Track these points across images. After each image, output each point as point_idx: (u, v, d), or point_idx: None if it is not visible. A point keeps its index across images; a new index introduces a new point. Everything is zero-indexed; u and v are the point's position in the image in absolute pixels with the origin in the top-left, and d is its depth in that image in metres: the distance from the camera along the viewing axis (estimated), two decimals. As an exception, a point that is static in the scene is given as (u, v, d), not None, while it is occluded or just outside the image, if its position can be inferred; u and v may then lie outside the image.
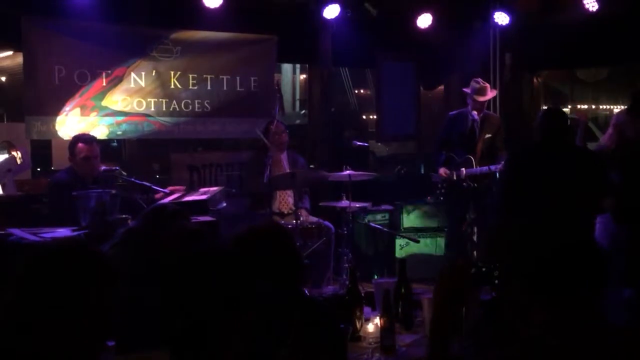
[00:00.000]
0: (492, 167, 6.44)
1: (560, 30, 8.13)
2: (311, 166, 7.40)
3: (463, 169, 6.59)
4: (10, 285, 1.79)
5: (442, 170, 6.68)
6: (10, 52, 8.35)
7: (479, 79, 6.71)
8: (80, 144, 5.43)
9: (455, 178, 6.61)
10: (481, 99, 6.60)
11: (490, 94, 6.73)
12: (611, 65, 10.97)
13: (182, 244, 3.13)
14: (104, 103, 6.73)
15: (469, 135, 6.69)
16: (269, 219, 5.94)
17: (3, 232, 4.43)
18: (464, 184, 6.58)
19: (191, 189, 6.25)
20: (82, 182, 5.31)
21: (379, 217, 7.25)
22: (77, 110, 6.59)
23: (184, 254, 3.00)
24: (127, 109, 6.90)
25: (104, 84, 6.75)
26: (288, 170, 6.36)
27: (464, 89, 6.80)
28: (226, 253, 2.58)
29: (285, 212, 6.43)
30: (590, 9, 7.70)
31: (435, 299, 1.97)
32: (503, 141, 6.80)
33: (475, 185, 6.57)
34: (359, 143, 7.04)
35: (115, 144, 7.45)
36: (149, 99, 7.04)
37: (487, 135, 6.66)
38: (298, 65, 12.77)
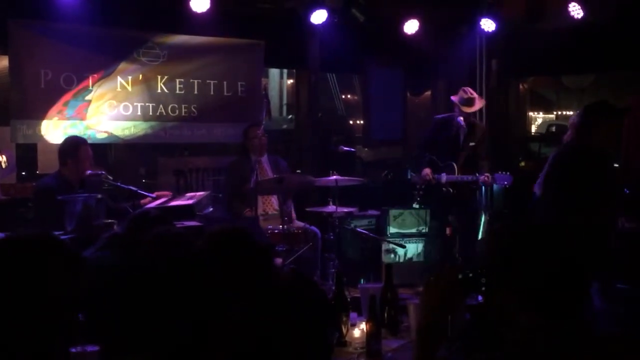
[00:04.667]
0: (474, 177, 6.49)
1: (546, 37, 8.19)
2: (298, 171, 7.40)
3: (444, 174, 6.60)
4: None
5: (428, 171, 6.64)
6: (-5, 56, 8.31)
7: (468, 89, 6.69)
8: (84, 146, 5.47)
9: (435, 182, 6.63)
10: (468, 110, 6.60)
11: (478, 104, 6.72)
12: (596, 72, 11.04)
13: (161, 249, 3.12)
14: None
15: (454, 142, 6.70)
16: (240, 223, 5.94)
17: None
18: (443, 189, 6.60)
19: (178, 193, 6.23)
20: (69, 186, 5.29)
21: (365, 222, 7.25)
22: (56, 114, 6.56)
23: (163, 260, 3.00)
24: (113, 113, 6.88)
25: (90, 86, 6.73)
26: (270, 174, 6.39)
27: (452, 98, 6.80)
28: (198, 260, 2.59)
29: (270, 212, 6.44)
30: (576, 16, 7.75)
31: (422, 304, 1.98)
32: (486, 150, 6.82)
33: (454, 191, 6.59)
34: (345, 148, 7.05)
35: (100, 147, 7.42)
36: (135, 103, 7.02)
37: (471, 144, 6.69)
38: (285, 70, 12.76)
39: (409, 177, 7.03)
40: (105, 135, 6.86)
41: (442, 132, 6.78)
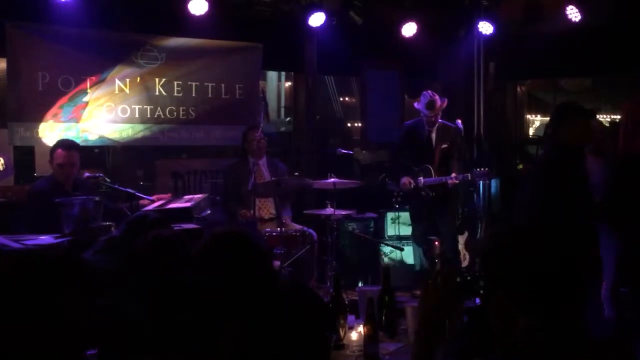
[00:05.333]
0: (449, 178, 6.49)
1: (543, 40, 8.19)
2: (296, 174, 7.40)
3: (421, 178, 6.61)
4: None
5: (406, 180, 6.66)
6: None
7: (428, 92, 6.66)
8: (59, 150, 5.43)
9: (413, 187, 6.63)
10: (431, 114, 6.59)
11: (439, 104, 6.64)
12: (594, 75, 11.04)
13: (157, 251, 3.12)
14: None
15: (426, 145, 6.71)
16: (238, 225, 5.94)
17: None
18: (422, 192, 6.61)
19: (175, 196, 6.23)
20: (62, 189, 5.28)
21: (363, 224, 7.25)
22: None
23: (159, 262, 2.99)
24: (110, 116, 6.88)
25: (87, 89, 6.72)
26: (268, 177, 6.38)
27: (415, 105, 6.79)
28: (197, 261, 2.58)
29: (266, 217, 6.43)
30: (573, 19, 7.76)
31: (421, 307, 1.98)
32: (460, 151, 6.81)
33: (434, 194, 6.59)
34: (343, 151, 7.04)
35: (97, 150, 7.41)
36: (133, 106, 7.01)
37: (444, 146, 6.68)
38: (283, 73, 12.75)
39: (387, 186, 7.02)
40: (97, 137, 6.84)
41: (413, 137, 6.77)
